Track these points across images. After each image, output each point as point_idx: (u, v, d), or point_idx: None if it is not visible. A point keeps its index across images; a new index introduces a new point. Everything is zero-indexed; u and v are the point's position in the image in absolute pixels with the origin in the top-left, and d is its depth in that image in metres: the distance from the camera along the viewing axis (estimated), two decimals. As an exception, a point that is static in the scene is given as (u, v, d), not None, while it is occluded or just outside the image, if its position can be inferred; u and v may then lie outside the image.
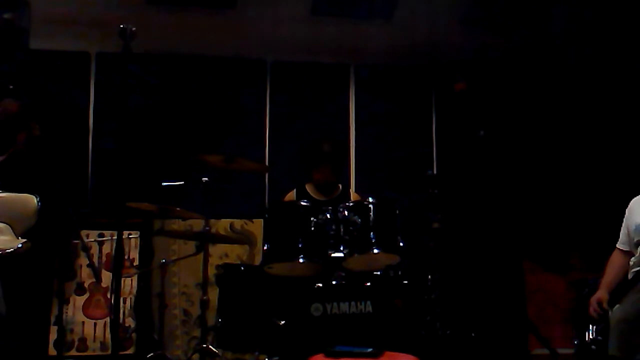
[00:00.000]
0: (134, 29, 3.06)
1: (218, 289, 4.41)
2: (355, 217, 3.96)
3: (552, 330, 5.66)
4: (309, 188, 4.84)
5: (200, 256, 4.61)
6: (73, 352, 5.34)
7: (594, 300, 3.99)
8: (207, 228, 4.54)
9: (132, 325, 5.38)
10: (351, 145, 6.10)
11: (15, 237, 3.95)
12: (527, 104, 6.16)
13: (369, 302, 3.96)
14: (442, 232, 4.58)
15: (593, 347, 4.05)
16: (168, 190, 4.81)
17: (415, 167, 6.03)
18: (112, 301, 2.98)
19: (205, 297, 4.55)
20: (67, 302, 5.38)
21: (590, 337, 4.09)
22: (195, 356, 4.53)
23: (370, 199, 4.04)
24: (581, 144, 6.15)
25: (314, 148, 4.79)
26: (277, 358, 4.07)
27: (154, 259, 5.45)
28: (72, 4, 5.58)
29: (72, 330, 5.37)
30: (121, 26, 3.05)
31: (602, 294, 3.98)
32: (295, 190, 4.85)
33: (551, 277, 6.00)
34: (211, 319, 4.52)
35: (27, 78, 5.41)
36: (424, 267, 4.51)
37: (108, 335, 5.33)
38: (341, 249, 3.96)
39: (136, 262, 5.54)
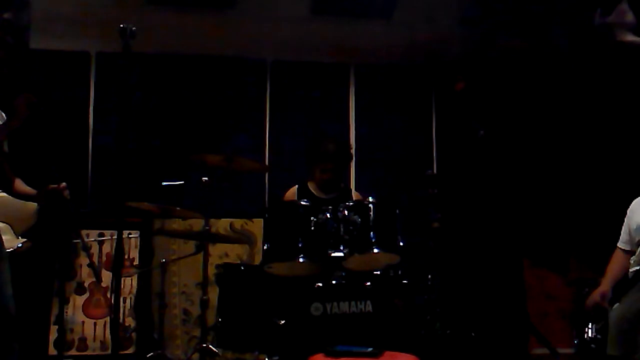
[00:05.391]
0: (134, 28, 3.05)
1: (218, 289, 4.41)
2: (355, 217, 3.95)
3: (551, 329, 5.66)
4: (310, 186, 4.81)
5: (200, 256, 4.61)
6: (73, 352, 5.35)
7: (597, 293, 3.98)
8: (207, 228, 4.54)
9: (132, 325, 5.39)
10: (351, 144, 6.09)
11: (15, 236, 3.96)
12: (527, 103, 6.15)
13: (369, 302, 3.95)
14: (442, 232, 4.58)
15: (592, 346, 4.05)
16: (168, 190, 4.81)
17: (415, 166, 6.04)
18: (112, 301, 2.97)
19: (205, 297, 4.55)
20: (67, 301, 5.39)
21: (590, 336, 4.09)
22: (195, 356, 4.53)
23: (370, 199, 4.04)
24: (581, 143, 6.15)
25: (318, 146, 4.74)
26: (277, 358, 4.07)
27: (154, 259, 5.45)
28: (72, 3, 5.58)
29: (72, 330, 5.38)
30: (121, 26, 3.05)
31: (605, 288, 3.97)
32: (297, 187, 4.81)
33: (551, 276, 6.00)
34: (211, 318, 4.53)
35: (27, 78, 5.41)
36: (424, 267, 4.51)
37: (108, 334, 5.33)
38: (341, 248, 3.95)
39: (136, 262, 5.54)
